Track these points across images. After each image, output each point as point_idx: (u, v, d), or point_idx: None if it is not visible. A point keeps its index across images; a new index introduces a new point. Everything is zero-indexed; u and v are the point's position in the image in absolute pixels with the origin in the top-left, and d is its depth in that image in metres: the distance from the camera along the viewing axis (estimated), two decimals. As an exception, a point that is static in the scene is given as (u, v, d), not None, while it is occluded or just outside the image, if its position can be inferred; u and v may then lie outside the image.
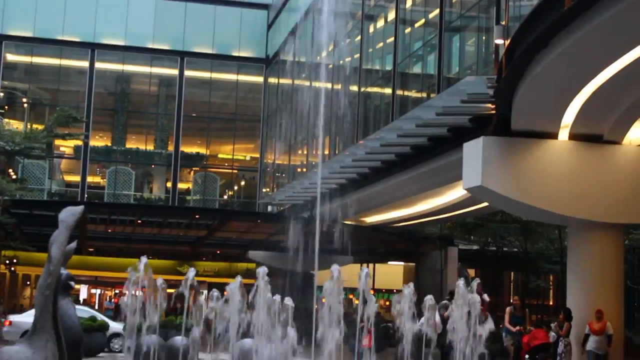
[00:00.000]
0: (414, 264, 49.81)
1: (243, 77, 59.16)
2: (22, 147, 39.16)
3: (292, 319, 12.53)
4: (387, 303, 51.13)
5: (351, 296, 38.18)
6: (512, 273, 53.53)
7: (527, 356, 18.76)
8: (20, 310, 45.13)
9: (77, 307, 34.43)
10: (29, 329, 7.65)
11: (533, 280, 46.69)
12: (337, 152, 36.58)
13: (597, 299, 21.04)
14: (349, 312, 14.36)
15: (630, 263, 32.57)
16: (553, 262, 40.07)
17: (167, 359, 16.95)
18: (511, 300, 22.02)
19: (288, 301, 12.37)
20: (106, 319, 28.12)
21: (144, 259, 11.29)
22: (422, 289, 32.78)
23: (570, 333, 21.88)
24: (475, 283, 20.08)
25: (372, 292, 11.86)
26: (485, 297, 19.55)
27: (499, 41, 22.06)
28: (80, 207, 7.88)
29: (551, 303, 51.56)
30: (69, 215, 7.72)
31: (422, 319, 19.67)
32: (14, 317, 28.67)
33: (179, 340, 16.74)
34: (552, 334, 25.31)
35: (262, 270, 11.02)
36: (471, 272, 46.92)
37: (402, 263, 53.51)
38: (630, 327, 29.60)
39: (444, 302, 19.29)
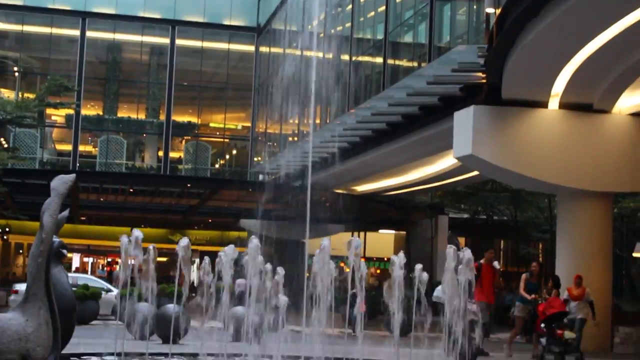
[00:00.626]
0: (404, 232, 49.96)
1: (234, 46, 58.92)
2: (13, 116, 39.05)
3: (283, 287, 12.64)
4: (378, 271, 51.39)
5: (342, 264, 38.34)
6: (502, 241, 53.78)
7: (542, 325, 18.24)
8: (13, 278, 45.25)
9: (88, 277, 34.55)
10: (23, 297, 7.74)
11: (523, 248, 46.95)
12: (328, 121, 36.58)
13: (586, 267, 21.21)
14: (340, 279, 14.47)
15: (618, 231, 32.72)
16: (542, 231, 40.29)
17: (159, 327, 17.07)
18: (531, 268, 20.98)
19: (279, 270, 12.46)
20: (113, 289, 28.15)
21: (137, 232, 11.33)
22: (412, 257, 32.93)
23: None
24: (488, 252, 20.16)
25: (363, 259, 11.92)
26: (496, 264, 19.61)
27: (490, 10, 22.07)
28: (72, 176, 7.92)
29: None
30: (60, 183, 7.77)
31: (440, 287, 19.73)
32: (20, 286, 28.71)
33: (171, 308, 16.86)
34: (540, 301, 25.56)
35: (254, 241, 11.07)
36: (461, 240, 47.20)
37: (392, 231, 53.67)
38: (618, 295, 29.82)
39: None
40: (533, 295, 20.00)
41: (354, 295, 15.87)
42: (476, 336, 13.47)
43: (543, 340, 18.08)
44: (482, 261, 19.82)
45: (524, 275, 20.86)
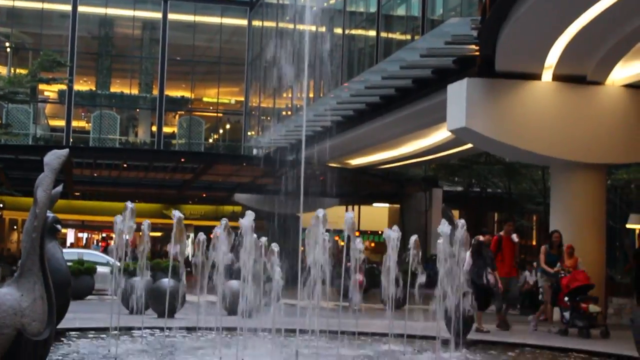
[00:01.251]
0: (398, 205, 50.04)
1: (227, 20, 58.70)
2: (6, 92, 38.88)
3: (278, 262, 12.67)
4: (372, 245, 51.52)
5: (336, 238, 38.44)
6: (495, 214, 53.91)
7: (566, 298, 17.45)
8: (8, 254, 45.29)
9: (92, 252, 34.53)
10: (17, 272, 7.74)
11: (517, 220, 47.05)
12: (321, 95, 36.54)
13: (580, 239, 21.25)
14: (334, 253, 14.49)
15: (612, 203, 32.82)
16: (536, 203, 40.38)
17: (155, 301, 17.12)
18: (552, 238, 19.88)
19: (274, 246, 12.49)
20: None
21: (130, 204, 11.35)
22: (406, 230, 32.99)
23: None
24: (507, 225, 19.78)
25: (357, 233, 11.96)
26: (514, 237, 19.02)
27: (483, -18, 22.01)
28: (66, 150, 7.90)
29: (534, 243, 52.02)
30: (54, 158, 7.75)
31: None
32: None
33: (166, 282, 16.90)
34: (528, 273, 25.69)
35: (248, 217, 11.06)
36: (455, 213, 47.32)
37: (386, 205, 53.74)
38: (612, 266, 29.94)
39: (478, 239, 18.11)
40: (556, 268, 18.97)
41: (349, 268, 15.95)
42: (472, 308, 13.50)
43: (566, 314, 17.49)
44: (501, 234, 19.51)
45: (543, 247, 20.09)
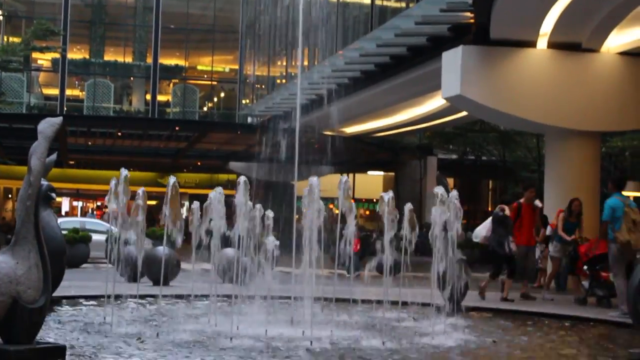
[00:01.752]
0: (393, 173, 50.11)
1: (221, -13, 58.44)
2: (-1, 61, 38.74)
3: (273, 229, 12.70)
4: (367, 212, 51.61)
5: (331, 206, 38.44)
6: (490, 181, 54.01)
7: (585, 267, 16.67)
8: (3, 222, 45.26)
9: (95, 221, 34.48)
10: (12, 240, 7.74)
11: (511, 188, 47.13)
12: (316, 62, 36.41)
13: (574, 206, 21.30)
14: (329, 221, 14.51)
15: (606, 170, 32.88)
16: (531, 171, 40.42)
17: (149, 269, 17.15)
18: (572, 207, 18.82)
19: (269, 213, 12.49)
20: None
21: (124, 171, 11.33)
22: (401, 198, 33.04)
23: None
24: (528, 192, 18.31)
25: (352, 201, 11.93)
26: (538, 203, 18.32)
27: (478, -52, 21.87)
28: (59, 118, 7.86)
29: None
30: (47, 126, 7.72)
31: (479, 227, 19.28)
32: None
33: (160, 250, 16.91)
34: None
35: (242, 180, 11.07)
36: (450, 181, 47.36)
37: (381, 173, 53.79)
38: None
39: (500, 206, 17.41)
40: (573, 236, 18.29)
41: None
42: (467, 275, 13.52)
43: (585, 283, 16.93)
44: (521, 201, 18.28)
45: (561, 214, 19.02)
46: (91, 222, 31.79)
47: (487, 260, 18.63)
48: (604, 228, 14.68)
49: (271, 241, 11.47)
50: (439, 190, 11.76)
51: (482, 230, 18.55)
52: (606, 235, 14.60)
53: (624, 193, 15.48)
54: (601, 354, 9.86)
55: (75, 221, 30.93)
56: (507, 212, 17.10)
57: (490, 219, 17.88)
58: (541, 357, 9.45)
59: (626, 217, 14.12)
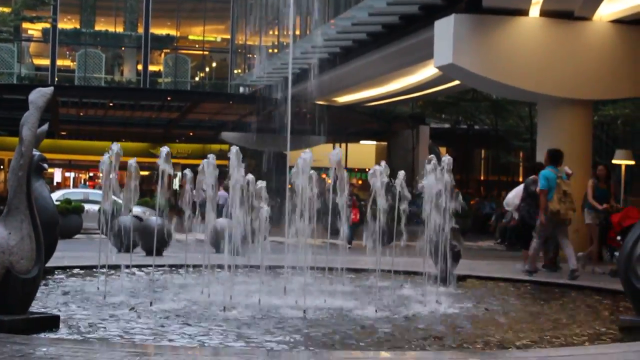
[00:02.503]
0: (385, 143, 50.11)
1: (212, -45, 58.06)
2: (-11, 31, 38.52)
3: (265, 199, 12.70)
4: (360, 182, 51.61)
5: (324, 176, 38.49)
6: (482, 150, 54.06)
7: (618, 237, 15.72)
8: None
9: (99, 192, 34.25)
10: (4, 210, 7.73)
11: (503, 157, 47.19)
12: (308, 32, 36.25)
13: (566, 175, 21.33)
14: (322, 191, 14.48)
15: (598, 139, 32.91)
16: (523, 139, 40.47)
17: (143, 239, 17.16)
18: (597, 172, 17.97)
19: (260, 183, 12.48)
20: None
21: (116, 145, 11.28)
22: (394, 167, 33.08)
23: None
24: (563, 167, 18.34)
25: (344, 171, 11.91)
26: (567, 169, 16.81)
27: None
28: (50, 89, 7.83)
29: (521, 179, 52.20)
30: (38, 96, 7.68)
31: (510, 194, 18.65)
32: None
33: (153, 220, 16.92)
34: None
35: (235, 150, 11.04)
36: (442, 150, 47.31)
37: (374, 142, 53.79)
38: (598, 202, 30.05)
39: (532, 177, 16.47)
40: (605, 205, 17.29)
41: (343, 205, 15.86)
42: (459, 244, 13.53)
43: (618, 253, 15.59)
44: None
45: (590, 181, 18.16)
46: (95, 194, 31.55)
47: (519, 230, 17.80)
48: (544, 199, 15.25)
49: (264, 211, 11.48)
50: (432, 159, 11.78)
51: (514, 198, 17.68)
52: (544, 204, 15.26)
53: (615, 162, 15.48)
54: (591, 320, 9.91)
55: (79, 192, 30.83)
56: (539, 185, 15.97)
57: (522, 186, 17.22)
58: (529, 323, 9.50)
59: (558, 188, 15.07)
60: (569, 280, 14.42)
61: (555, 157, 15.92)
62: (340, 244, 13.07)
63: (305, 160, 10.67)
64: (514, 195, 17.74)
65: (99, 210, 15.53)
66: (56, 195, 29.71)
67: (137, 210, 18.99)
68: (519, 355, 7.12)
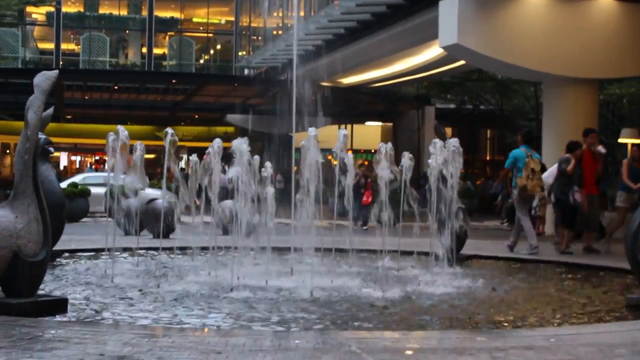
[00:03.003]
0: (391, 124, 49.98)
1: (215, -63, 57.83)
2: (-7, 15, 38.47)
3: (271, 181, 12.72)
4: (366, 163, 51.62)
5: (329, 157, 38.47)
6: (488, 130, 53.96)
7: None
8: (1, 178, 45.27)
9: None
10: (11, 194, 7.74)
11: (509, 137, 47.07)
12: (312, 13, 36.16)
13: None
14: (328, 172, 14.44)
15: (604, 118, 32.82)
16: (529, 119, 40.35)
17: (149, 222, 17.19)
18: (632, 153, 17.55)
19: (267, 164, 12.49)
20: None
21: (122, 129, 11.28)
22: (399, 148, 33.04)
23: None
24: (589, 137, 16.86)
25: (350, 152, 11.91)
26: (600, 149, 16.95)
27: None
28: (55, 72, 7.82)
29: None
30: (43, 79, 7.68)
31: (544, 174, 18.34)
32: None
33: (160, 203, 16.92)
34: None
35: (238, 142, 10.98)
36: (448, 130, 47.30)
37: (379, 123, 53.67)
38: (604, 181, 30.01)
39: (566, 155, 16.21)
40: None
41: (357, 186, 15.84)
42: (466, 224, 13.53)
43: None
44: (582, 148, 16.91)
45: (625, 160, 17.83)
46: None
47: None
48: (503, 174, 16.68)
49: (271, 192, 11.50)
50: (438, 142, 11.76)
51: (548, 177, 17.19)
52: (510, 182, 16.49)
53: (621, 140, 15.39)
54: (599, 298, 9.92)
55: (99, 176, 30.79)
56: (572, 164, 15.97)
57: (556, 165, 16.95)
58: (535, 302, 9.50)
59: (526, 166, 15.78)
60: (528, 255, 15.11)
61: (528, 138, 16.69)
62: (348, 225, 13.07)
63: (312, 136, 10.62)
64: (548, 175, 17.32)
65: (106, 193, 15.50)
66: (78, 179, 29.72)
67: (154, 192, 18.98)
68: (526, 334, 7.13)
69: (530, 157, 15.90)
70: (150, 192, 25.58)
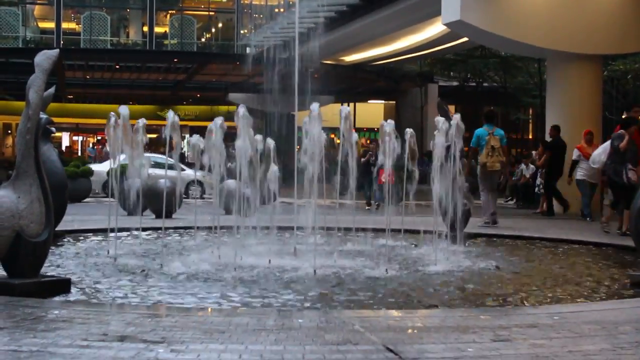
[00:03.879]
0: (394, 101, 49.92)
1: None
2: (-7, -6, 38.31)
3: (274, 159, 12.67)
4: (369, 141, 51.57)
5: (332, 135, 38.40)
6: (492, 108, 53.87)
7: None
8: (2, 158, 45.27)
9: (159, 156, 34.17)
10: (13, 174, 7.71)
11: (513, 114, 47.02)
12: (314, -10, 36.02)
13: (576, 131, 21.24)
14: (331, 151, 14.37)
15: (609, 94, 32.71)
16: (532, 96, 40.30)
17: (152, 202, 17.16)
18: None
19: (269, 141, 12.44)
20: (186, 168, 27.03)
21: (123, 108, 11.22)
22: (402, 126, 32.99)
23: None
24: (632, 110, 16.78)
25: (353, 130, 11.83)
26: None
27: None
28: (56, 51, 7.77)
29: (530, 136, 52.10)
30: (44, 58, 7.63)
31: (596, 151, 17.67)
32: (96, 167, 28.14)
33: (162, 183, 16.91)
34: (531, 166, 25.76)
35: (242, 110, 10.96)
36: (451, 108, 47.19)
37: (382, 101, 53.60)
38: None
39: (619, 132, 15.32)
40: None
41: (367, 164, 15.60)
42: (470, 202, 13.48)
43: None
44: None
45: None
46: (156, 157, 30.54)
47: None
48: (470, 152, 17.18)
49: (274, 171, 11.46)
50: (440, 119, 11.69)
51: (601, 155, 16.65)
52: (475, 159, 17.46)
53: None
54: (603, 276, 9.89)
55: (149, 157, 30.23)
56: (625, 140, 15.08)
57: (608, 142, 16.22)
58: (539, 280, 9.49)
59: (487, 144, 16.87)
60: (483, 226, 16.29)
61: (489, 117, 17.67)
62: (350, 204, 13.03)
63: (315, 111, 10.55)
64: (601, 152, 16.75)
65: (107, 173, 15.43)
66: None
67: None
68: (530, 312, 7.12)
69: (491, 134, 16.96)
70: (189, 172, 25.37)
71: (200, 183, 28.09)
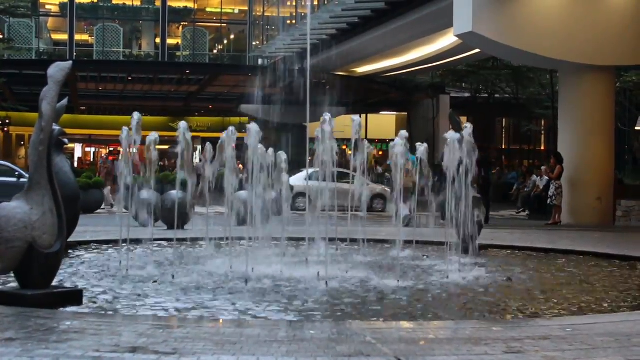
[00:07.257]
0: (406, 113, 49.88)
1: None
2: (7, 6, 38.49)
3: (286, 171, 12.68)
4: (381, 153, 51.54)
5: (344, 147, 38.39)
6: (503, 119, 53.78)
7: None
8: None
9: None
10: (26, 186, 7.73)
11: (524, 125, 46.92)
12: (326, 2, 36.07)
13: (588, 142, 21.23)
14: (342, 162, 14.36)
15: (621, 105, 32.64)
16: (544, 107, 40.21)
17: (163, 213, 17.18)
18: None
19: (281, 154, 12.44)
20: None
21: (136, 115, 11.23)
22: (414, 137, 32.95)
23: (562, 176, 22.12)
24: None
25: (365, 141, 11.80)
26: None
27: None
28: (69, 63, 7.80)
29: (542, 148, 51.97)
30: (57, 70, 7.66)
31: None
32: None
33: (174, 194, 16.91)
34: (545, 177, 25.71)
35: (253, 126, 10.92)
36: (463, 119, 47.12)
37: (394, 113, 53.58)
38: (621, 169, 29.92)
39: None
40: None
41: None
42: (481, 214, 13.45)
43: None
44: None
45: None
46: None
47: None
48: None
49: (286, 181, 11.46)
50: (451, 134, 11.66)
51: None
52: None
53: (638, 128, 15.15)
54: (616, 288, 9.85)
55: None
56: None
57: None
58: (552, 291, 9.45)
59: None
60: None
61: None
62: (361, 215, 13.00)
63: (327, 121, 10.55)
64: None
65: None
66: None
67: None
68: (542, 324, 7.08)
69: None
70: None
71: (382, 196, 29.45)
